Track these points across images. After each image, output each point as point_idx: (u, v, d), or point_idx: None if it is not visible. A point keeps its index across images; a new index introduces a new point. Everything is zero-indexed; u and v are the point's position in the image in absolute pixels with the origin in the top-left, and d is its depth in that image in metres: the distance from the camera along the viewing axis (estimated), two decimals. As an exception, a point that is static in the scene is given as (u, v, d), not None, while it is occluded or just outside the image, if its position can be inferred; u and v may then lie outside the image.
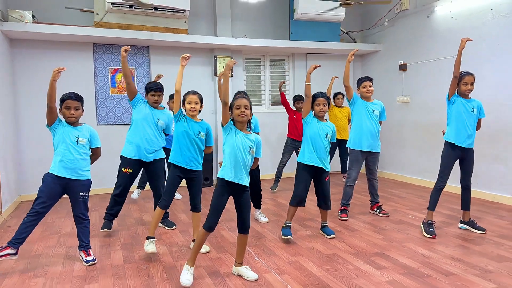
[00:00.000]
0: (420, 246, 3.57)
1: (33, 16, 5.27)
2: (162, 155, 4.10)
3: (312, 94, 3.76)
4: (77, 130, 3.25)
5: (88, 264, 3.26)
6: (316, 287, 2.78)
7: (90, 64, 5.98)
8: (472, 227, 3.97)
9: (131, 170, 3.94)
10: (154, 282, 2.92)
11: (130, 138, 3.96)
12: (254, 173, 4.23)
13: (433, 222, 3.96)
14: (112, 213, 4.06)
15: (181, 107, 3.39)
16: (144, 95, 4.05)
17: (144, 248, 3.38)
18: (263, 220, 4.45)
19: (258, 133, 4.24)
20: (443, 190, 3.97)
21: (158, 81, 4.47)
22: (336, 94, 6.35)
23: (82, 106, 3.29)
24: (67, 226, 4.34)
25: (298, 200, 3.79)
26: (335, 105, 6.37)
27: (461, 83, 3.78)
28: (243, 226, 2.94)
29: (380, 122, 4.50)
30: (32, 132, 5.64)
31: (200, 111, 3.42)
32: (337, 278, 2.93)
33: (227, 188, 2.86)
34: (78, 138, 3.23)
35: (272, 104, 7.33)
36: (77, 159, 3.21)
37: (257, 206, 4.47)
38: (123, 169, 3.96)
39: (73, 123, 3.25)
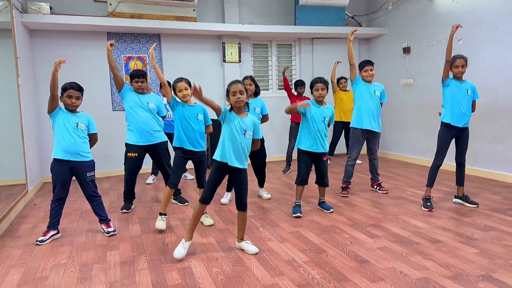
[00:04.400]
0: (414, 218, 3.83)
1: (51, 8, 5.58)
2: (164, 138, 4.41)
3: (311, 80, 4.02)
4: (76, 117, 3.50)
5: (109, 234, 3.61)
6: (313, 252, 3.08)
7: (104, 52, 6.24)
8: (466, 201, 4.19)
9: (136, 154, 4.27)
10: (168, 249, 3.25)
11: (129, 126, 4.29)
12: (259, 155, 4.49)
13: (431, 197, 4.20)
14: (129, 196, 4.43)
15: (173, 95, 3.67)
16: (130, 84, 4.34)
17: (156, 224, 3.68)
18: (265, 196, 4.71)
19: (266, 115, 4.51)
20: (441, 168, 4.20)
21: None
22: (339, 79, 6.50)
23: (82, 96, 3.52)
24: (88, 203, 4.69)
25: (301, 180, 4.06)
26: (340, 89, 6.54)
27: (453, 66, 3.95)
28: (241, 204, 3.08)
29: (381, 104, 4.71)
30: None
31: (191, 94, 3.57)
32: (333, 244, 3.22)
33: (222, 168, 3.01)
34: (78, 124, 3.48)
35: (279, 89, 7.51)
36: (78, 142, 3.46)
37: (261, 185, 4.76)
38: (128, 154, 4.30)
39: (72, 110, 3.51)
